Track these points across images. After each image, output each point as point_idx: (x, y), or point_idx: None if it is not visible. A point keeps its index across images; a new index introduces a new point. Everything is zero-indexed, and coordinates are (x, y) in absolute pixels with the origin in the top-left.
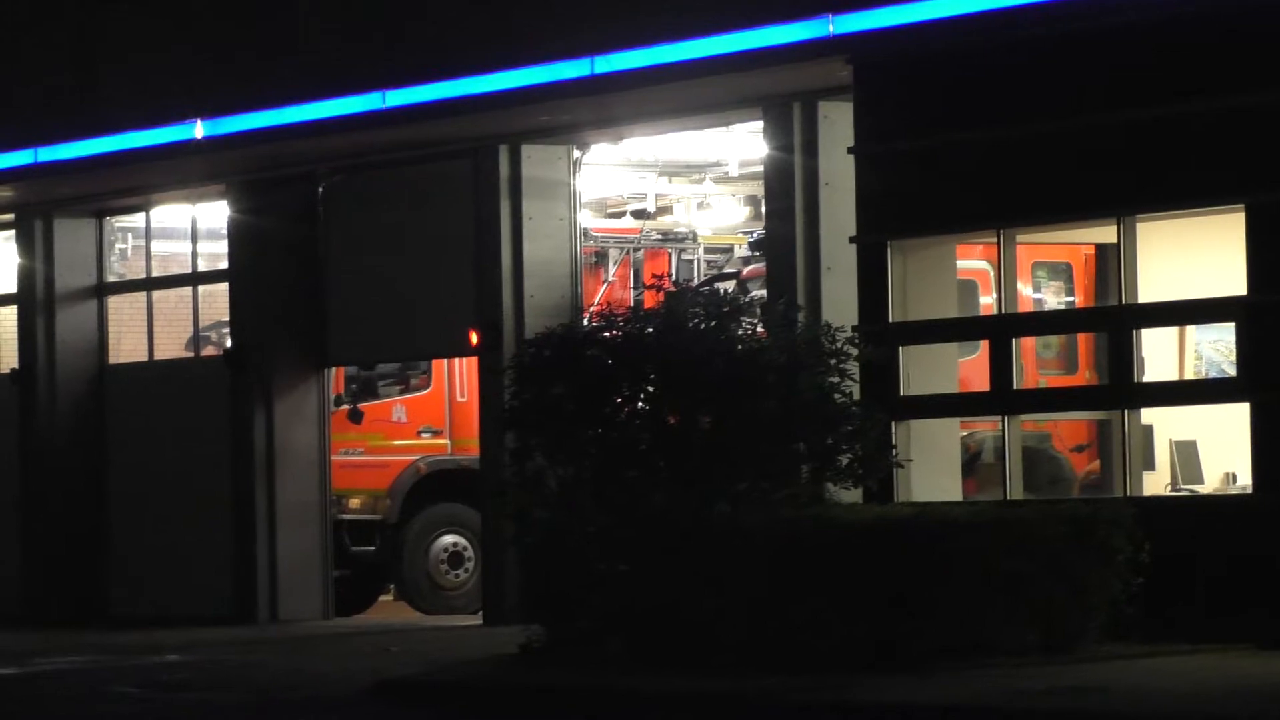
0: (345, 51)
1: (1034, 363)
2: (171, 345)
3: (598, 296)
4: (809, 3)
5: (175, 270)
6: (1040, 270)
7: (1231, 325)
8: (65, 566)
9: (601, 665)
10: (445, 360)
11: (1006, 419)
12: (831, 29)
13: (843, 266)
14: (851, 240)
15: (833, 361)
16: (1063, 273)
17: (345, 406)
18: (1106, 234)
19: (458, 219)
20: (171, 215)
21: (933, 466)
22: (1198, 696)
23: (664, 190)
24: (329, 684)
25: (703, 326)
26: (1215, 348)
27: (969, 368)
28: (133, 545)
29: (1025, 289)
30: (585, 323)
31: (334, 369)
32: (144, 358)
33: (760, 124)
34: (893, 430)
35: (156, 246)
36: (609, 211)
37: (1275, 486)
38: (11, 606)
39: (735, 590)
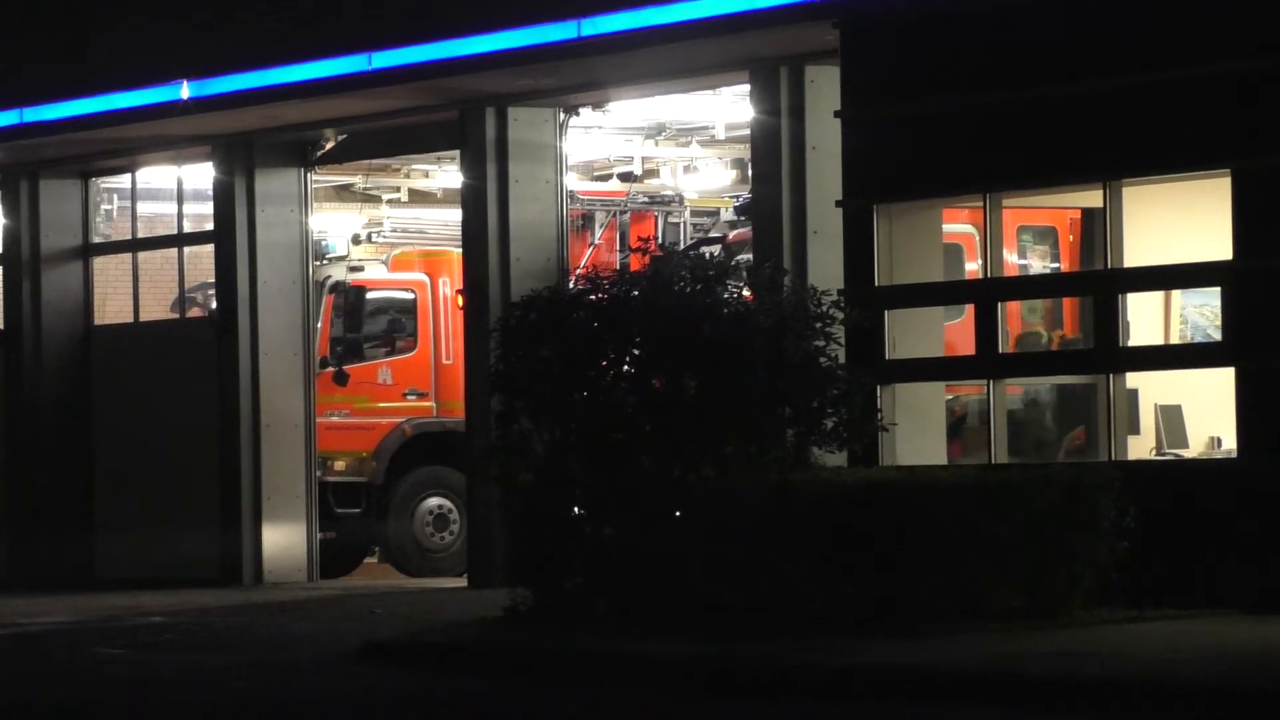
0: (331, 13)
1: (1019, 327)
2: (157, 306)
3: (584, 259)
4: None
5: (161, 231)
6: (1025, 234)
7: (1217, 290)
8: (50, 529)
9: (588, 628)
10: (431, 323)
11: (991, 383)
12: None
13: (829, 230)
14: (837, 204)
15: (819, 325)
16: (1048, 237)
17: (330, 369)
18: (1093, 198)
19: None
20: (157, 176)
21: (918, 430)
22: (1178, 661)
23: (650, 153)
24: (315, 646)
25: (689, 290)
26: (1201, 312)
27: (954, 331)
28: (118, 507)
29: (1010, 256)
30: (571, 286)
31: (320, 330)
32: (129, 319)
33: (747, 88)
34: (878, 394)
35: (142, 208)
36: (595, 174)
37: (1260, 451)
38: None
39: (721, 554)
